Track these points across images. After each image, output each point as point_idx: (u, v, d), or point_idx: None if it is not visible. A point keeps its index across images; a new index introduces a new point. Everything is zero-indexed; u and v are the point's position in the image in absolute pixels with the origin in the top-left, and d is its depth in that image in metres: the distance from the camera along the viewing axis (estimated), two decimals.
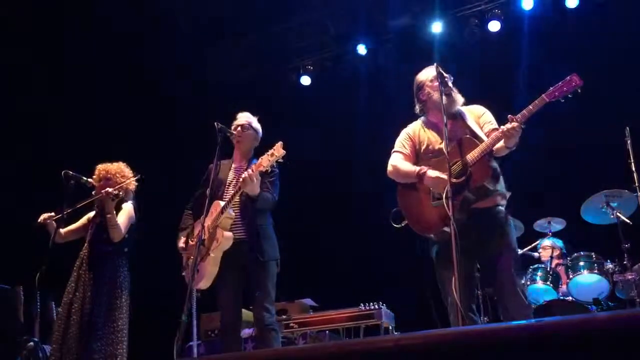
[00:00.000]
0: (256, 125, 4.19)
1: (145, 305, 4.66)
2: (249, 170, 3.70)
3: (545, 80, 3.26)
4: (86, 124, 7.02)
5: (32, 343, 4.90)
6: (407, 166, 3.48)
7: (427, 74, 3.52)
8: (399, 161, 3.54)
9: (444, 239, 3.28)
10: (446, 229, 3.22)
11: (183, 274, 4.06)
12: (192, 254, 3.76)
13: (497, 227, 3.31)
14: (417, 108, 3.63)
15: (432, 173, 3.32)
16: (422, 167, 3.40)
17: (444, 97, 3.30)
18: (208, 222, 3.85)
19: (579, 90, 3.09)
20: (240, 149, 4.15)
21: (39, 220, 4.40)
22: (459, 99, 3.49)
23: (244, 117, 4.19)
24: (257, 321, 3.84)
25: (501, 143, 3.23)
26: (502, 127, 3.21)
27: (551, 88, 3.13)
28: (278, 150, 3.63)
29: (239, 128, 4.11)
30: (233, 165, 4.15)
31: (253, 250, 3.80)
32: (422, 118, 3.64)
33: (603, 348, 1.51)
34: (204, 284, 3.82)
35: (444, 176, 3.21)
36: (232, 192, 3.89)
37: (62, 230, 4.45)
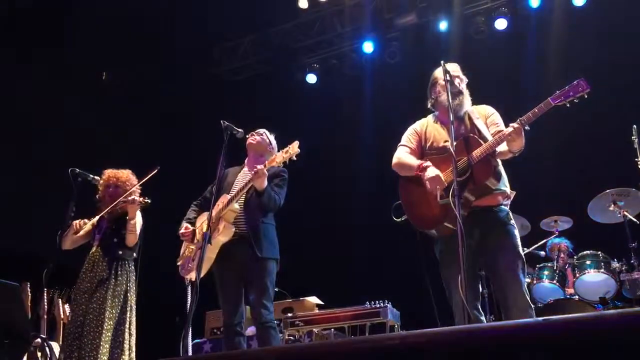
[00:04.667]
0: (270, 137, 4.25)
1: (148, 303, 4.66)
2: (262, 165, 3.78)
3: (552, 78, 3.25)
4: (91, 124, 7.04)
5: (39, 340, 4.92)
6: (411, 159, 3.50)
7: (442, 71, 3.48)
8: (403, 154, 3.57)
9: (445, 235, 3.29)
10: (447, 224, 3.22)
11: (178, 263, 4.06)
12: (191, 245, 3.78)
13: (498, 226, 3.29)
14: (429, 103, 3.63)
15: (431, 172, 3.32)
16: (425, 161, 3.41)
17: (450, 97, 3.29)
18: (213, 213, 3.86)
19: (586, 96, 3.06)
20: (251, 154, 4.19)
21: (74, 222, 4.32)
22: (467, 101, 3.48)
23: (262, 129, 4.26)
24: (255, 319, 3.85)
25: (505, 147, 3.22)
26: (506, 129, 3.20)
27: (557, 92, 3.10)
28: (293, 149, 3.69)
29: (254, 134, 4.16)
30: (243, 170, 4.17)
31: (251, 245, 3.82)
32: (433, 114, 3.65)
33: (610, 347, 1.51)
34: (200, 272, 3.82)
35: (443, 177, 3.24)
36: (239, 187, 3.94)
37: (75, 236, 4.36)
